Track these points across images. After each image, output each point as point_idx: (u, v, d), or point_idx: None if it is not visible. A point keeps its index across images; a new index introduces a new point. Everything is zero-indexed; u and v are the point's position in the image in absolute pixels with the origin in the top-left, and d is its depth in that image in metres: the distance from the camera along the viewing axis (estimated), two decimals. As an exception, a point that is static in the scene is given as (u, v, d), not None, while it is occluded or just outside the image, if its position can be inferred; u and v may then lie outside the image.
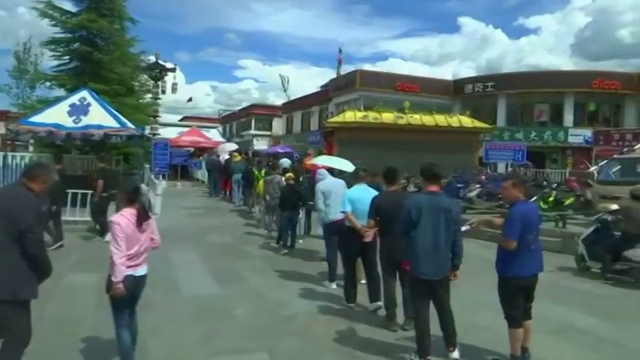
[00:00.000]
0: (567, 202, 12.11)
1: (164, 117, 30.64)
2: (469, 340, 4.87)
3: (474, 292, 6.40)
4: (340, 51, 41.85)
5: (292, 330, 5.32)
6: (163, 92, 28.81)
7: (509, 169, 22.22)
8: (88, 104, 13.61)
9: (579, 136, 30.27)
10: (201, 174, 26.26)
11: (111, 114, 13.80)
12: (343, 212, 6.08)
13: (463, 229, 4.68)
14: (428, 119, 20.59)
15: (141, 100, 25.44)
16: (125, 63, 22.65)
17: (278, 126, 52.67)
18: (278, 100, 57.99)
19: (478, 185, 13.64)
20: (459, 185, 14.56)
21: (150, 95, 25.09)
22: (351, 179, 6.88)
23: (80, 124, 12.92)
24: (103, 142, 14.69)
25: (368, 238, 5.72)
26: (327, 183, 7.78)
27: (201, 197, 20.16)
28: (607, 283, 7.54)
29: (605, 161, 11.69)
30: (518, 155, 20.82)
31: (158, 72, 27.76)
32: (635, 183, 10.36)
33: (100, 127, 12.91)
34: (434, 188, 4.51)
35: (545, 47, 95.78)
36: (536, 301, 4.55)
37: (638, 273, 7.34)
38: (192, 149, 32.00)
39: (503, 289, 4.42)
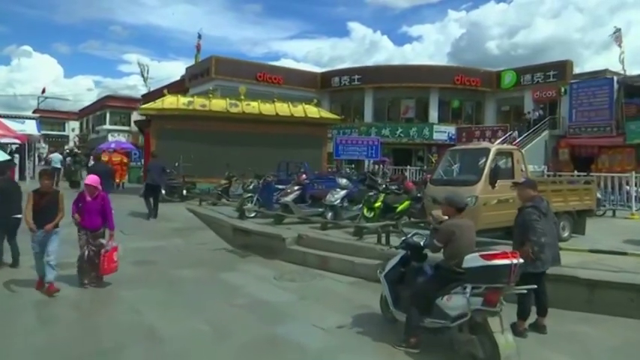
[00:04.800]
0: (400, 207, 9.33)
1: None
2: None
3: None
4: (199, 36, 36.96)
5: None
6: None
7: (373, 167, 19.84)
8: None
9: (444, 132, 29.51)
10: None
11: None
12: None
13: None
14: (267, 108, 17.24)
15: None
16: None
17: (137, 120, 46.53)
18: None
19: (297, 187, 10.42)
20: (279, 187, 11.30)
21: None
22: None
23: None
24: None
25: None
26: None
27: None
28: (410, 355, 4.47)
29: (445, 153, 9.05)
30: (372, 151, 18.39)
31: None
32: (475, 182, 7.77)
33: None
34: None
35: (427, 54, 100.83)
36: None
37: (453, 335, 4.36)
38: None
39: None
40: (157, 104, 16.65)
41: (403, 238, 5.15)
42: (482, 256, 4.10)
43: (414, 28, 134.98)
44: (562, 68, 27.17)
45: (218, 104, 16.93)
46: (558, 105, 26.97)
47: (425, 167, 21.20)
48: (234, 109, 16.85)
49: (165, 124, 16.27)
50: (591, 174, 14.40)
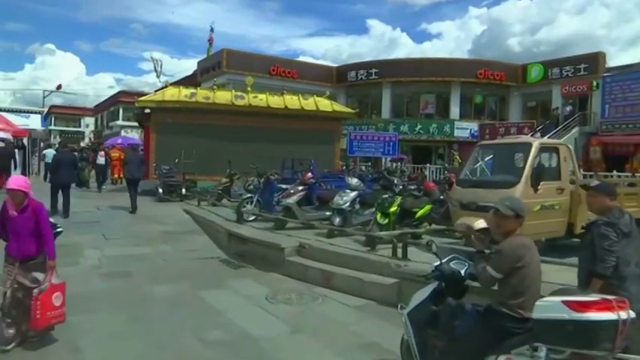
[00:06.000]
0: (420, 212, 7.94)
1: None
2: None
3: None
4: (212, 29, 35.84)
5: None
6: None
7: (391, 164, 18.43)
8: None
9: (465, 129, 27.92)
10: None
11: None
12: None
13: None
14: (276, 101, 15.99)
15: None
16: None
17: (151, 116, 45.79)
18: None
19: (301, 187, 9.10)
20: (282, 186, 10.03)
21: None
22: None
23: None
24: None
25: None
26: None
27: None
28: None
29: (475, 149, 7.63)
30: (389, 148, 16.97)
31: None
32: (514, 184, 6.36)
33: None
34: None
35: (447, 51, 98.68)
36: None
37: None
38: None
39: None
40: (157, 96, 15.57)
41: (436, 265, 3.58)
42: (568, 304, 2.61)
43: (434, 25, 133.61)
44: (593, 61, 25.35)
45: (223, 96, 15.75)
46: (589, 100, 25.13)
47: (447, 165, 19.69)
48: (239, 102, 15.65)
49: (165, 118, 15.18)
50: (636, 174, 12.79)
